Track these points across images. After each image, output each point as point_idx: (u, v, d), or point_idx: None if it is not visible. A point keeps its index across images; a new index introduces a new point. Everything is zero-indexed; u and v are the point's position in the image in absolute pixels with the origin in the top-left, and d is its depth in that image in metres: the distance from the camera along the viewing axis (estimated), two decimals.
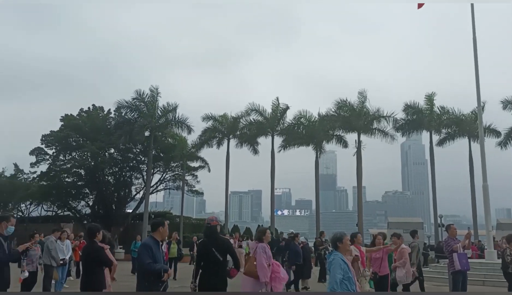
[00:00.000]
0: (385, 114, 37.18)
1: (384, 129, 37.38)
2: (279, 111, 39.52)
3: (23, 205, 53.14)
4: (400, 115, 38.16)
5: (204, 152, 43.14)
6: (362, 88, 37.82)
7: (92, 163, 42.44)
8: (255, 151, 40.93)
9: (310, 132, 38.63)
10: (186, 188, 45.86)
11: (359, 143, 36.92)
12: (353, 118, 36.54)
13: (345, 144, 38.91)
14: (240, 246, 23.95)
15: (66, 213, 47.83)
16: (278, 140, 40.21)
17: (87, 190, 45.96)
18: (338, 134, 38.94)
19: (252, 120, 40.15)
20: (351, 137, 38.25)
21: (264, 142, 40.98)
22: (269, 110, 39.75)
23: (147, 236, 6.08)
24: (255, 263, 8.00)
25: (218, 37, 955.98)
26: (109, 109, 45.31)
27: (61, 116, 45.38)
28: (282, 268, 8.61)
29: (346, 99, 37.51)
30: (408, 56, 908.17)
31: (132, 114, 39.89)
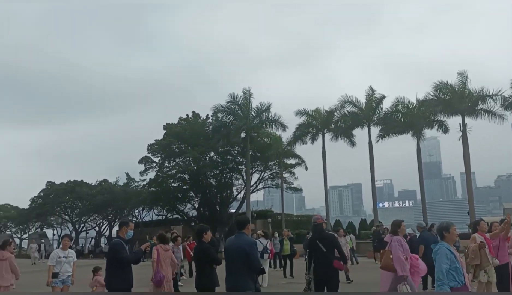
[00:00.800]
0: (491, 93, 34.42)
1: (491, 109, 34.57)
2: (374, 100, 38.36)
3: (137, 210, 57.22)
4: (508, 92, 35.01)
5: (300, 149, 43.25)
6: (461, 68, 35.29)
7: (195, 168, 44.54)
8: (352, 144, 40.14)
9: (409, 119, 36.99)
10: (284, 185, 46.31)
11: (463, 126, 34.59)
12: (455, 100, 34.31)
13: (445, 129, 36.72)
14: None
15: (175, 216, 50.56)
16: (375, 131, 39.11)
17: (192, 193, 48.22)
18: (439, 118, 36.85)
19: (346, 112, 39.43)
20: (454, 121, 35.95)
21: (360, 133, 40.09)
22: (362, 100, 38.85)
23: (237, 233, 6.11)
24: (391, 256, 7.82)
25: (299, 34, 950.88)
26: (207, 115, 47.20)
27: (164, 125, 48.14)
28: (421, 261, 8.23)
29: (447, 82, 35.34)
30: (506, 29, 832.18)
31: (228, 117, 41.20)
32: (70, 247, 9.40)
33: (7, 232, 73.42)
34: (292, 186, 49.36)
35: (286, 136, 42.07)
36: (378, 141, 38.71)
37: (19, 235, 73.16)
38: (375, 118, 38.54)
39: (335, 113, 39.82)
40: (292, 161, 45.39)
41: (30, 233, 69.62)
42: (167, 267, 9.16)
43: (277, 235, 22.02)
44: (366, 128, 38.83)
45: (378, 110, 38.38)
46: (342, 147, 41.31)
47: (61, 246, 9.15)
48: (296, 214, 69.91)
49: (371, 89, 38.72)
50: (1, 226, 74.27)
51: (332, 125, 40.31)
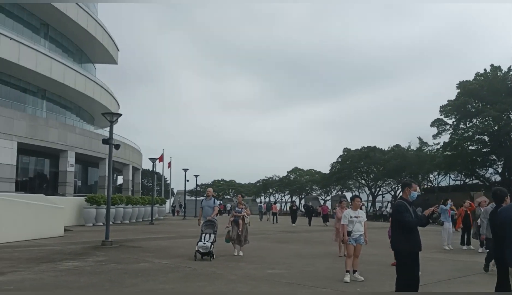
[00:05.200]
0: None
1: None
2: None
3: (431, 175, 55.52)
4: None
5: None
6: None
7: (495, 128, 40.03)
8: None
9: None
10: None
11: None
12: None
13: None
14: None
15: (474, 181, 46.95)
16: None
17: (494, 157, 43.59)
18: None
19: None
20: None
21: None
22: None
23: None
24: None
25: None
26: (509, 67, 41.37)
27: (456, 84, 44.74)
28: None
29: None
30: None
31: None
32: (360, 208, 9.73)
33: (313, 194, 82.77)
34: None
35: None
36: None
37: (323, 197, 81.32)
38: None
39: None
40: None
41: (332, 195, 76.48)
42: None
43: None
44: None
45: None
46: None
47: (351, 206, 9.55)
48: None
49: None
50: (308, 188, 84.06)
51: None
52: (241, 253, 12.73)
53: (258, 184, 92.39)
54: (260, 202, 63.41)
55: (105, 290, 7.62)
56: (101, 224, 25.91)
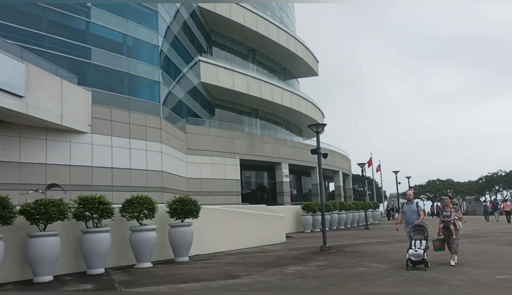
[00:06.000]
0: None
1: None
2: None
3: None
4: None
5: None
6: None
7: None
8: None
9: None
10: None
11: None
12: None
13: None
14: None
15: None
16: None
17: None
18: None
19: None
20: None
21: None
22: None
23: None
24: None
25: None
26: None
27: None
28: None
29: None
30: None
31: None
32: None
33: None
34: None
35: None
36: None
37: None
38: None
39: None
40: None
41: None
42: None
43: None
44: None
45: None
46: None
47: None
48: None
49: None
50: None
51: None
52: (453, 263, 10.96)
53: (480, 181, 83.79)
54: (485, 201, 57.41)
55: (327, 293, 8.05)
56: (318, 230, 27.15)
